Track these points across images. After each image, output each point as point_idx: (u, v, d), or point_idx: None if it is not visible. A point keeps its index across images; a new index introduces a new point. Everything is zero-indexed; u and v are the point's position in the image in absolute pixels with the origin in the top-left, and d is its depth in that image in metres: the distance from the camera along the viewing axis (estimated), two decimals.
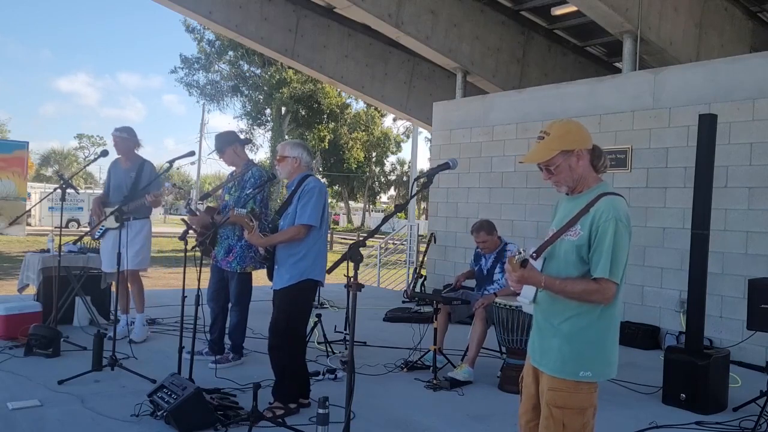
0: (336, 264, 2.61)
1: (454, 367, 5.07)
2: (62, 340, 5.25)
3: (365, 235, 2.69)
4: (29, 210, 26.97)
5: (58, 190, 5.16)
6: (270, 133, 33.81)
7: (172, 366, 4.29)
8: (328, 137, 35.90)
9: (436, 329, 5.07)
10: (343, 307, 7.57)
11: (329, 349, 5.68)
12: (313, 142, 33.43)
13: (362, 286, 2.60)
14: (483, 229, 5.42)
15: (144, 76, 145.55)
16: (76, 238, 6.49)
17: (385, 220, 2.91)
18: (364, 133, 42.45)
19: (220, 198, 5.30)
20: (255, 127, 34.33)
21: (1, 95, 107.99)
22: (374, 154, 46.83)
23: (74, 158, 65.36)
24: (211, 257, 5.15)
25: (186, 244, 4.22)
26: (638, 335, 6.70)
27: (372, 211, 58.20)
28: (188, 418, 3.59)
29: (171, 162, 5.19)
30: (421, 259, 9.33)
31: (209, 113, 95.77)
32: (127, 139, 5.76)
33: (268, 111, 33.20)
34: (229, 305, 5.24)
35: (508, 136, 8.66)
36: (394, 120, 43.01)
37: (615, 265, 2.22)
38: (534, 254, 2.31)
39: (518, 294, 2.44)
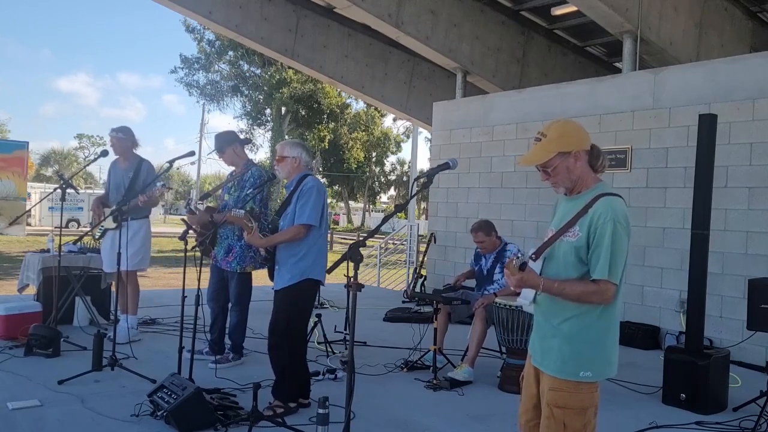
0: (336, 264, 2.62)
1: (454, 367, 5.07)
2: (62, 340, 5.25)
3: (365, 235, 2.69)
4: (29, 210, 26.97)
5: (58, 190, 5.16)
6: (270, 133, 33.82)
7: (172, 366, 4.29)
8: (328, 137, 35.90)
9: (436, 329, 5.07)
10: (343, 307, 7.57)
11: (329, 349, 5.68)
12: (313, 142, 33.44)
13: (362, 286, 2.60)
14: (481, 230, 5.42)
15: (144, 76, 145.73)
16: (76, 238, 6.48)
17: (385, 220, 2.91)
18: (364, 133, 42.46)
19: (220, 198, 5.30)
20: (255, 127, 34.36)
21: (1, 95, 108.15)
22: (374, 154, 46.83)
23: (74, 158, 65.37)
24: (210, 257, 5.15)
25: (186, 244, 4.22)
26: (638, 335, 6.70)
27: (372, 211, 58.21)
28: (188, 418, 3.59)
29: (171, 162, 5.19)
30: (421, 259, 9.34)
31: (209, 113, 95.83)
32: (124, 139, 5.75)
33: (268, 111, 33.20)
34: (229, 305, 5.24)
35: (508, 136, 8.66)
36: (394, 120, 43.06)
37: (614, 266, 2.22)
38: (533, 256, 2.32)
39: (518, 294, 2.44)
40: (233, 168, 5.26)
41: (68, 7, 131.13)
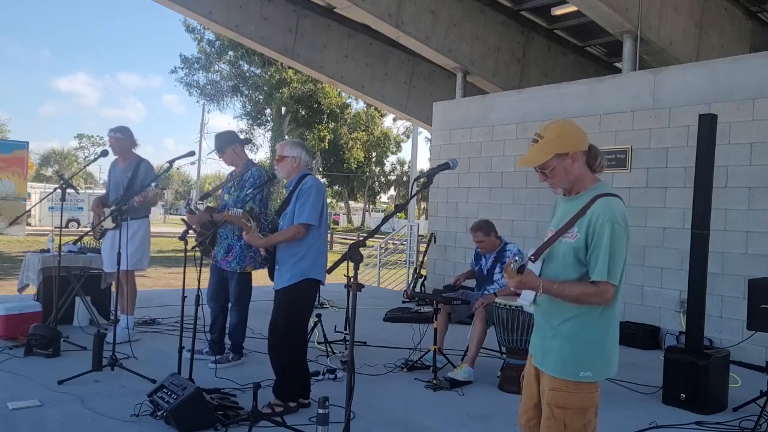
0: (336, 264, 2.61)
1: (454, 367, 5.07)
2: (62, 340, 5.25)
3: (365, 235, 2.69)
4: (29, 210, 26.98)
5: (58, 190, 5.16)
6: (270, 133, 33.83)
7: (172, 366, 4.29)
8: (328, 137, 35.90)
9: (436, 329, 5.06)
10: (343, 307, 7.57)
11: (329, 349, 5.68)
12: (313, 142, 33.44)
13: (362, 286, 2.60)
14: (480, 229, 5.42)
15: (144, 76, 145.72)
16: (76, 238, 6.48)
17: (385, 220, 2.91)
18: (364, 133, 42.45)
19: (220, 198, 5.30)
20: (255, 127, 34.37)
21: (1, 95, 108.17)
22: (374, 154, 46.83)
23: (74, 158, 65.36)
24: (210, 257, 5.15)
25: (186, 244, 4.22)
26: (638, 335, 6.70)
27: (372, 211, 58.21)
28: (188, 418, 3.59)
29: (171, 162, 5.18)
30: (421, 259, 9.34)
31: (209, 113, 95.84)
32: (122, 138, 5.75)
33: (268, 111, 33.21)
34: (229, 305, 5.24)
35: (508, 136, 8.66)
36: (394, 120, 43.06)
37: (612, 267, 2.22)
38: (532, 257, 2.32)
39: (518, 295, 2.45)
40: (233, 168, 5.26)
41: (68, 7, 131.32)
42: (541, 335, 2.42)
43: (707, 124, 4.74)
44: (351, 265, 2.48)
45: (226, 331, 5.26)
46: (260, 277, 5.37)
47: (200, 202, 5.19)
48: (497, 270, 5.38)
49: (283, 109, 31.65)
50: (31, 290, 6.50)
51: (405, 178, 51.24)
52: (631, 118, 7.22)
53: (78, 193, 20.11)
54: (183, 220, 4.84)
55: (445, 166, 2.95)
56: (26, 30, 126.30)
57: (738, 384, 5.22)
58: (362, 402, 4.19)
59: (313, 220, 3.96)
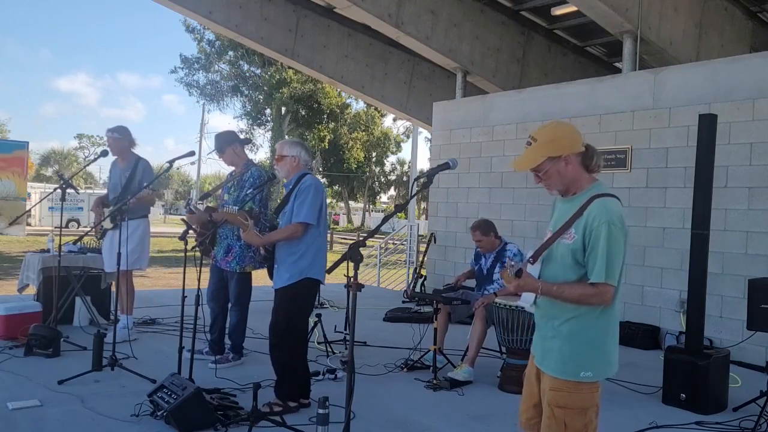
0: (336, 264, 2.61)
1: (454, 367, 5.07)
2: (62, 340, 5.25)
3: (365, 235, 2.69)
4: (29, 210, 26.98)
5: (58, 190, 5.16)
6: (270, 133, 33.82)
7: (172, 366, 4.28)
8: (328, 137, 35.91)
9: (436, 329, 5.06)
10: (343, 307, 7.57)
11: (329, 349, 5.68)
12: (313, 142, 33.44)
13: (362, 286, 2.60)
14: (479, 229, 5.43)
15: (144, 76, 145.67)
16: (76, 238, 6.49)
17: (385, 220, 2.91)
18: (364, 133, 42.45)
19: (220, 198, 5.30)
20: (255, 127, 34.37)
21: (1, 95, 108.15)
22: (374, 154, 46.83)
23: (74, 158, 65.35)
24: (210, 257, 5.15)
25: (186, 244, 4.22)
26: (638, 335, 6.70)
27: (372, 211, 58.21)
28: (188, 418, 3.59)
29: (171, 162, 5.18)
30: (421, 259, 9.34)
31: (209, 113, 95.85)
32: (120, 138, 5.74)
33: (268, 111, 33.21)
34: (229, 305, 5.24)
35: (508, 136, 8.66)
36: (394, 120, 43.05)
37: (611, 268, 2.22)
38: (530, 259, 2.32)
39: (518, 295, 2.45)
40: (233, 168, 5.26)
41: (68, 7, 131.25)
42: (541, 335, 2.42)
43: (707, 124, 4.74)
44: (351, 265, 2.48)
45: (226, 331, 5.26)
46: (260, 277, 5.37)
47: (200, 202, 5.19)
48: (497, 270, 5.38)
49: (283, 109, 31.65)
50: (31, 290, 6.50)
51: (405, 178, 51.24)
52: (631, 118, 7.22)
53: (78, 193, 20.10)
54: (183, 220, 4.84)
55: (445, 166, 2.95)
56: (26, 30, 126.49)
57: (738, 384, 5.22)
58: (362, 402, 4.19)
59: (311, 219, 3.96)
